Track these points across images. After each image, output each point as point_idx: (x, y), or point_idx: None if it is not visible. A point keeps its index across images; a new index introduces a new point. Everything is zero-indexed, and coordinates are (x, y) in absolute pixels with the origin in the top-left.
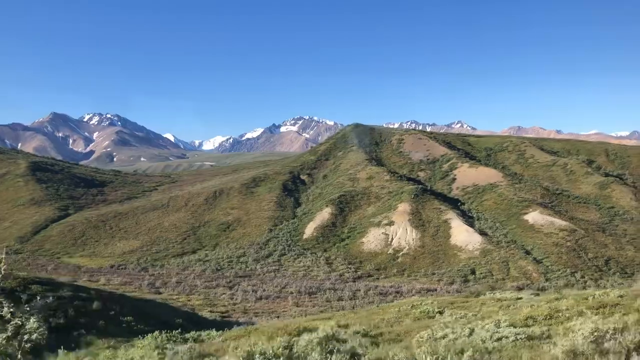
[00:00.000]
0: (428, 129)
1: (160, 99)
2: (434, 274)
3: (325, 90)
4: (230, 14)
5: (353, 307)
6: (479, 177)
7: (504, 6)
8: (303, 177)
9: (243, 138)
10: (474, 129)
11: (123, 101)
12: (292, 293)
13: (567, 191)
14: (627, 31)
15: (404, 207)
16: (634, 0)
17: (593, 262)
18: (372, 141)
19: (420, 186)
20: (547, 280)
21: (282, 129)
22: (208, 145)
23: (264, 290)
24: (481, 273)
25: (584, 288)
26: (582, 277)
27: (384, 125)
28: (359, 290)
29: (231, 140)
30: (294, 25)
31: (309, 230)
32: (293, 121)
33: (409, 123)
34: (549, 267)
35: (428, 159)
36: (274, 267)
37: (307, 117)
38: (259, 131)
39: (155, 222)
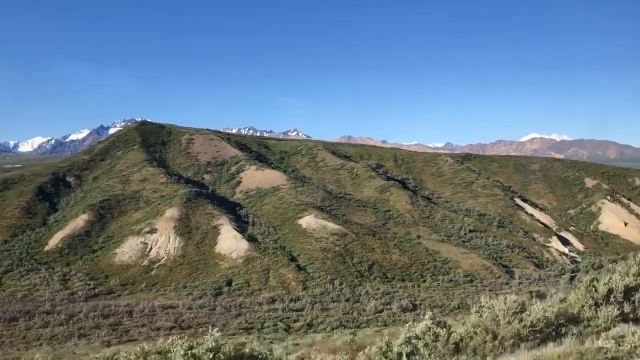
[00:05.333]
0: (266, 135)
1: None
2: (185, 287)
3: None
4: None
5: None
6: (264, 180)
7: (337, 13)
8: (69, 179)
9: (67, 140)
10: (308, 137)
11: None
12: None
13: (349, 195)
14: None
15: (172, 212)
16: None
17: (357, 267)
18: (159, 140)
19: (195, 189)
20: (305, 288)
21: (111, 130)
22: (25, 147)
23: None
24: (237, 284)
25: (338, 296)
26: (341, 283)
27: (222, 130)
28: (80, 312)
29: (53, 141)
30: (129, 19)
31: (54, 241)
32: (124, 123)
33: (246, 129)
34: (311, 274)
35: (217, 161)
36: None
37: (139, 119)
38: (85, 132)
39: None
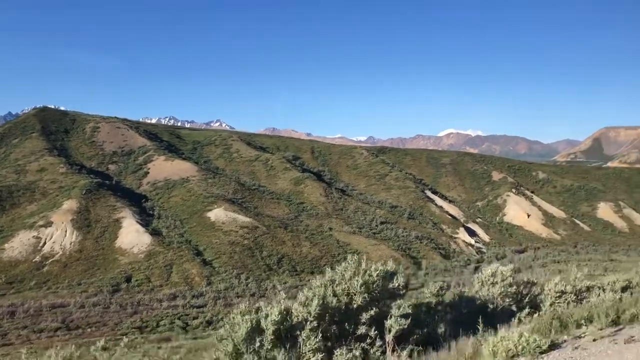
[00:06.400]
0: (187, 125)
1: None
2: (80, 284)
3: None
4: None
5: None
6: (173, 171)
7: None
8: None
9: None
10: (232, 128)
11: None
12: None
13: (263, 187)
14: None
15: (70, 204)
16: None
17: (266, 260)
18: (61, 128)
19: (97, 180)
20: (209, 284)
21: None
22: None
23: None
24: (137, 280)
25: (244, 291)
26: (248, 278)
27: (142, 119)
28: None
29: None
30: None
31: None
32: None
33: (167, 119)
34: (217, 268)
35: (123, 151)
36: None
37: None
38: None
39: None
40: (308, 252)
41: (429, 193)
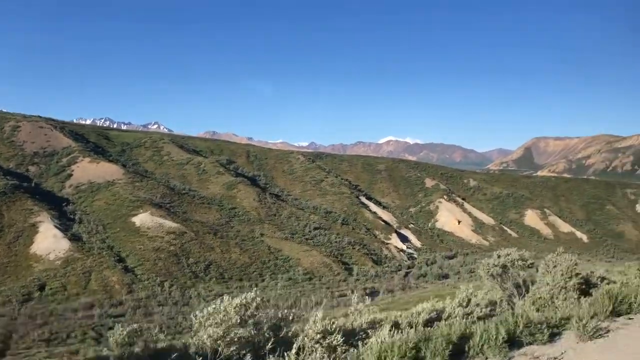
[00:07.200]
0: (123, 127)
1: None
2: None
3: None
4: None
5: None
6: (98, 173)
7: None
8: None
9: None
10: (170, 130)
11: None
12: None
13: (194, 191)
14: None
15: None
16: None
17: (192, 267)
18: None
19: (13, 182)
20: (130, 292)
21: None
22: None
23: None
24: (52, 288)
25: (166, 299)
26: (172, 285)
27: (75, 120)
28: None
29: None
30: None
31: None
32: None
33: (102, 120)
34: (140, 276)
35: (46, 152)
36: None
37: None
38: None
39: None
40: (237, 259)
41: (363, 199)
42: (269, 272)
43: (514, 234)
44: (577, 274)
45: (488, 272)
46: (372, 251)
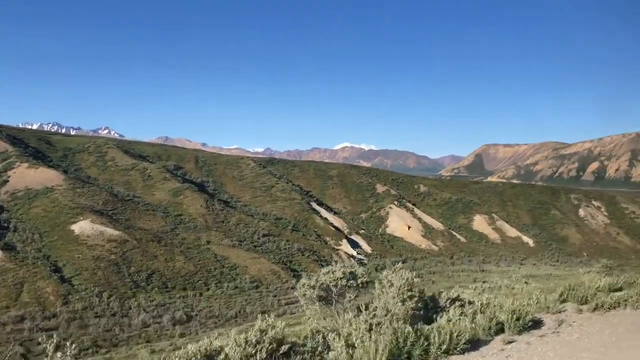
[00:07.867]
0: (72, 132)
1: None
2: None
3: None
4: None
5: None
6: (36, 179)
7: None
8: None
9: None
10: (121, 135)
11: None
12: None
13: (139, 197)
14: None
15: None
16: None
17: (133, 277)
18: None
19: None
20: (65, 303)
21: None
22: None
23: None
24: None
25: (104, 310)
26: (110, 296)
27: (20, 125)
28: None
29: None
30: None
31: None
32: None
33: (50, 125)
34: (77, 286)
35: None
36: None
37: None
38: None
39: None
40: (182, 267)
41: (314, 205)
42: (214, 281)
43: (462, 239)
44: (411, 297)
45: (304, 295)
46: (322, 257)
